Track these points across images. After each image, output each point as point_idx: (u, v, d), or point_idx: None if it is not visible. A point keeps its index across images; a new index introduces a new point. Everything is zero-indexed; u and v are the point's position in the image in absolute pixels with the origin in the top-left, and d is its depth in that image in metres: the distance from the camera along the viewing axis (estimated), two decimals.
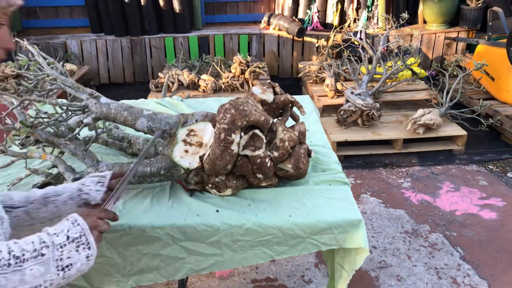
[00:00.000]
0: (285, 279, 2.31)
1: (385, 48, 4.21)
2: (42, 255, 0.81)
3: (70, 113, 1.39)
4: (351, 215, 1.29)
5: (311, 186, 1.44)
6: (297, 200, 1.37)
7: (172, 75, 4.25)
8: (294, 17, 5.39)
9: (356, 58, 4.21)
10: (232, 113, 1.23)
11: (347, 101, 3.70)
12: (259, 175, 1.32)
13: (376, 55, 3.93)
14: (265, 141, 1.30)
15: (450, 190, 3.17)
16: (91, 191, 1.10)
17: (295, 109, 1.51)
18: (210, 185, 1.37)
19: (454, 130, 3.67)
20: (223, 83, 4.11)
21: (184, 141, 1.32)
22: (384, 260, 2.45)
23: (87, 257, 0.88)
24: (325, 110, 4.05)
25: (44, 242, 0.83)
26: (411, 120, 3.56)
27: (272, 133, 1.36)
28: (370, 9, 5.44)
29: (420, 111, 3.62)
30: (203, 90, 4.11)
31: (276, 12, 5.67)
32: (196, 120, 1.33)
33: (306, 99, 2.31)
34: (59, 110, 1.52)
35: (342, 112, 3.70)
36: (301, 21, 5.42)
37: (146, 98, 3.87)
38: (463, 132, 3.63)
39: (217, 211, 1.31)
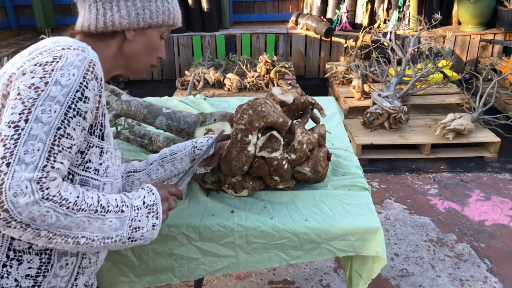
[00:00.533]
0: (302, 282, 2.28)
1: (416, 50, 4.08)
2: (122, 211, 0.89)
3: None
4: (370, 222, 1.25)
5: (330, 190, 1.40)
6: (315, 204, 1.33)
7: (198, 74, 4.28)
8: (322, 17, 5.32)
9: (384, 59, 4.11)
10: (250, 113, 1.21)
11: (374, 103, 3.62)
12: (276, 177, 1.30)
13: (406, 57, 3.82)
14: (282, 142, 1.27)
15: (480, 199, 3.04)
16: (204, 146, 1.21)
17: (316, 111, 1.48)
18: (226, 185, 1.36)
19: (487, 136, 3.52)
20: (248, 83, 4.10)
21: None
22: (406, 269, 2.37)
23: (153, 225, 0.96)
24: (351, 112, 3.98)
25: (124, 202, 0.91)
26: (441, 125, 3.45)
27: (291, 134, 1.34)
28: (401, 9, 5.30)
29: (450, 116, 3.49)
30: (228, 89, 4.12)
31: (304, 12, 5.61)
32: (215, 120, 1.33)
33: (330, 100, 2.27)
34: None
35: (368, 115, 3.62)
36: (330, 21, 5.34)
37: (172, 95, 3.93)
38: (496, 139, 3.48)
39: (232, 212, 1.30)
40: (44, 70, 0.80)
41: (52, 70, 0.80)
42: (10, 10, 5.62)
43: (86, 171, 0.90)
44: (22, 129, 0.75)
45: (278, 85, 4.20)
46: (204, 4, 5.18)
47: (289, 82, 4.16)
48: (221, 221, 1.27)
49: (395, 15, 5.23)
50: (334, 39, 5.20)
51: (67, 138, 0.80)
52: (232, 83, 4.09)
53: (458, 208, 2.93)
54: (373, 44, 4.47)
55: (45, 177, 0.75)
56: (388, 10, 5.32)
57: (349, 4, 5.29)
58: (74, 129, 0.81)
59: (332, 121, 1.99)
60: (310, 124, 1.49)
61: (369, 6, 5.27)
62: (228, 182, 1.35)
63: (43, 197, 0.74)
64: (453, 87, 4.19)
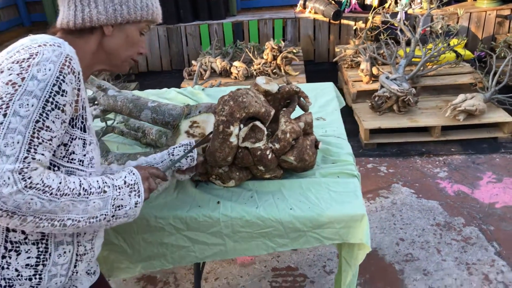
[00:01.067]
0: (306, 269, 2.30)
1: (425, 29, 3.96)
2: (105, 192, 0.93)
3: None
4: (355, 209, 1.25)
5: (318, 178, 1.40)
6: (301, 192, 1.34)
7: (205, 63, 4.29)
8: (330, 0, 5.21)
9: (393, 41, 4.01)
10: (231, 104, 1.21)
11: (382, 86, 3.55)
12: (261, 167, 1.30)
13: (415, 37, 3.71)
14: (266, 132, 1.27)
15: (492, 181, 2.97)
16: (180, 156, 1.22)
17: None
18: (214, 176, 1.38)
19: (500, 116, 3.42)
20: (255, 70, 4.09)
21: (187, 132, 1.33)
22: (411, 253, 2.36)
23: (136, 203, 1.00)
24: (360, 96, 3.92)
25: (106, 183, 0.95)
26: (451, 106, 3.36)
27: (276, 124, 1.33)
28: None
29: (461, 96, 3.39)
30: (235, 77, 4.11)
31: None
32: (200, 112, 1.34)
33: (328, 86, 2.24)
34: None
35: (376, 98, 3.56)
36: (339, 3, 5.23)
37: (180, 85, 3.95)
38: (510, 119, 3.37)
39: (218, 202, 1.31)
40: (21, 67, 0.82)
41: (29, 66, 0.82)
42: (22, 7, 5.73)
43: (70, 162, 0.93)
44: (1, 123, 0.77)
45: (285, 71, 4.17)
46: None
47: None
48: (207, 211, 1.29)
49: None
50: (343, 21, 5.10)
51: (46, 130, 0.82)
52: (238, 71, 4.08)
53: (468, 191, 2.87)
54: (383, 26, 4.36)
55: (27, 168, 0.78)
56: None
57: None
58: (53, 122, 0.84)
59: (328, 107, 1.97)
60: (299, 112, 1.48)
61: None
62: (215, 173, 1.36)
63: (26, 186, 0.77)
64: (466, 66, 4.06)
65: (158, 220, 1.30)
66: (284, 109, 1.36)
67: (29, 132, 0.79)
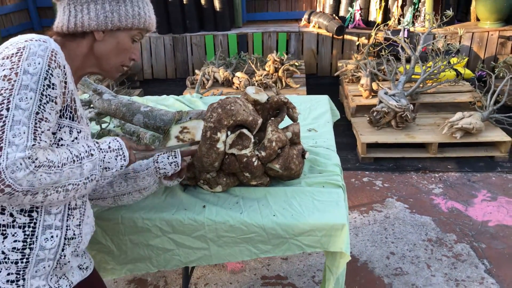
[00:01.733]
0: (295, 278, 2.32)
1: (426, 47, 4.02)
2: (92, 155, 1.00)
3: None
4: (336, 218, 1.28)
5: (303, 187, 1.43)
6: (286, 200, 1.37)
7: (208, 72, 4.36)
8: (334, 15, 5.29)
9: (393, 57, 4.06)
10: (219, 112, 1.26)
11: (380, 101, 3.59)
12: (247, 174, 1.34)
13: (415, 54, 3.76)
14: (253, 140, 1.31)
15: (486, 199, 2.98)
16: (166, 165, 1.26)
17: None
18: (202, 181, 1.42)
19: (497, 135, 3.44)
20: (256, 81, 4.15)
21: (177, 137, 1.37)
22: (400, 267, 2.37)
23: (121, 166, 1.07)
24: (359, 110, 3.96)
25: (90, 147, 1.02)
26: (448, 124, 3.38)
27: (264, 133, 1.38)
28: (416, 6, 5.21)
29: (458, 114, 3.42)
30: (237, 87, 4.17)
31: (317, 10, 5.60)
32: (190, 118, 1.38)
33: (323, 99, 2.28)
34: None
35: (374, 113, 3.60)
36: (342, 19, 5.31)
37: (182, 93, 4.02)
38: (508, 138, 3.38)
39: (204, 206, 1.35)
40: (11, 62, 0.88)
41: (19, 60, 0.88)
42: (33, 12, 5.87)
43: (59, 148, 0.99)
44: (6, 117, 0.83)
45: (286, 84, 4.23)
46: (217, 4, 5.26)
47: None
48: (193, 215, 1.32)
49: (410, 12, 5.15)
50: (347, 37, 5.17)
51: (45, 121, 0.90)
52: (240, 81, 4.15)
53: (462, 208, 2.88)
54: (385, 42, 4.42)
55: (34, 153, 0.85)
56: (402, 7, 5.24)
57: (363, 2, 5.24)
58: (49, 113, 0.91)
59: (321, 119, 2.02)
60: (289, 122, 1.52)
61: (383, 3, 5.20)
62: (203, 178, 1.40)
63: (36, 166, 0.85)
64: (466, 85, 4.09)
65: (145, 222, 1.33)
66: (272, 118, 1.40)
67: (32, 123, 0.86)
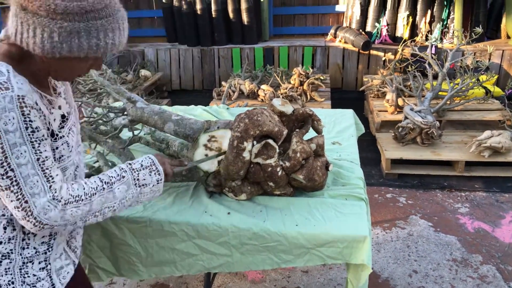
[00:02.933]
0: None
1: (454, 64, 3.97)
2: (123, 177, 1.07)
3: (113, 114, 1.58)
4: (358, 230, 1.29)
5: (326, 198, 1.45)
6: (308, 211, 1.39)
7: (234, 84, 4.44)
8: (361, 30, 5.31)
9: (420, 74, 4.04)
10: (246, 122, 1.30)
11: (406, 117, 3.57)
12: (271, 183, 1.37)
13: (442, 71, 3.73)
14: (278, 151, 1.35)
15: None
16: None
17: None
18: (227, 189, 1.46)
19: None
20: (281, 94, 4.20)
21: (205, 146, 1.43)
22: (423, 286, 2.32)
23: (158, 181, 1.14)
24: (384, 126, 3.94)
25: (122, 169, 1.09)
26: (476, 142, 3.32)
27: (289, 144, 1.41)
28: (445, 22, 5.17)
29: (487, 133, 3.36)
30: (262, 99, 4.23)
31: (344, 25, 5.63)
32: (218, 127, 1.43)
33: (348, 113, 2.30)
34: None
35: (400, 129, 3.57)
36: (369, 34, 5.32)
37: (208, 105, 4.10)
38: None
39: (229, 213, 1.39)
40: None
41: None
42: None
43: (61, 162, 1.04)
44: (15, 176, 0.90)
45: (311, 97, 4.26)
46: (245, 18, 5.37)
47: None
48: (218, 221, 1.36)
49: (438, 28, 5.11)
50: (373, 52, 5.17)
51: (47, 159, 0.94)
52: (265, 94, 4.21)
53: (489, 229, 2.81)
54: (412, 58, 4.40)
55: (55, 192, 0.94)
56: (430, 23, 5.21)
57: (390, 17, 5.25)
58: (46, 150, 0.94)
59: (345, 133, 2.03)
60: (313, 134, 1.55)
61: (411, 19, 5.19)
62: (228, 185, 1.44)
63: (63, 204, 0.95)
64: (495, 103, 4.01)
65: (172, 225, 1.38)
66: (297, 130, 1.43)
67: (39, 170, 0.93)
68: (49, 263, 1.08)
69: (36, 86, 0.97)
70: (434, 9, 5.16)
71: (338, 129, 2.08)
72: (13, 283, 1.01)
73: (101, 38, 0.91)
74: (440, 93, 3.81)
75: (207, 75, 5.65)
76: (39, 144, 0.93)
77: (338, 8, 5.93)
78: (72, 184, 0.99)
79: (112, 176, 1.06)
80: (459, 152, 3.45)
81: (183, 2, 5.36)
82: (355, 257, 1.28)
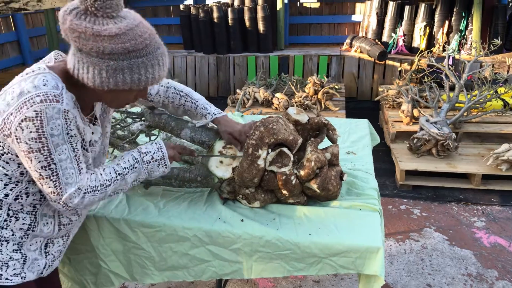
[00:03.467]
0: None
1: (471, 75, 3.93)
2: (135, 167, 1.26)
3: (131, 120, 1.61)
4: (372, 241, 1.28)
5: (340, 208, 1.45)
6: (322, 220, 1.39)
7: (249, 92, 4.47)
8: (377, 40, 5.30)
9: (436, 84, 4.00)
10: (261, 130, 1.31)
11: (422, 128, 3.53)
12: (285, 191, 1.38)
13: (459, 82, 3.69)
14: (292, 159, 1.35)
15: None
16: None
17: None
18: (241, 196, 1.47)
19: None
20: (296, 102, 4.20)
21: (220, 152, 1.44)
22: None
23: (163, 171, 1.32)
24: (399, 137, 3.91)
25: (135, 159, 1.27)
26: (493, 155, 3.27)
27: (304, 152, 1.41)
28: (463, 33, 5.12)
29: (505, 146, 3.30)
30: (276, 107, 4.25)
31: (360, 35, 5.63)
32: None
33: (363, 123, 2.29)
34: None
35: (415, 140, 3.54)
36: (385, 44, 5.30)
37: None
38: None
39: (242, 220, 1.39)
40: (35, 126, 1.02)
41: (41, 125, 1.02)
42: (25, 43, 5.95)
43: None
44: (56, 168, 1.08)
45: (325, 106, 4.25)
46: (261, 27, 5.41)
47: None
48: (231, 228, 1.37)
49: (455, 39, 5.07)
50: (389, 62, 5.15)
51: (80, 154, 1.14)
52: (280, 102, 4.22)
53: (505, 244, 2.75)
54: (428, 69, 4.37)
55: (80, 183, 1.13)
56: (448, 34, 5.17)
57: (406, 28, 5.22)
58: (79, 147, 1.13)
59: (360, 143, 2.03)
60: (328, 144, 1.56)
61: (427, 30, 5.16)
62: (242, 192, 1.45)
63: (84, 193, 1.14)
64: None
65: (186, 231, 1.39)
66: (312, 139, 1.44)
67: (74, 164, 1.12)
68: (23, 250, 1.21)
69: (79, 107, 1.14)
70: (452, 20, 5.12)
71: (353, 139, 2.07)
72: None
73: (142, 73, 1.05)
74: (456, 104, 3.77)
75: (222, 83, 5.70)
76: (76, 143, 1.11)
77: (354, 18, 5.94)
78: (92, 174, 1.18)
79: (125, 167, 1.24)
80: (475, 164, 3.39)
81: (200, 10, 5.44)
82: (368, 268, 1.28)
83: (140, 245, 1.46)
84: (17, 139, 1.03)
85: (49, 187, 1.11)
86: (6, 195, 1.14)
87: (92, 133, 1.22)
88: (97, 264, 1.51)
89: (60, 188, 1.11)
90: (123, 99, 1.15)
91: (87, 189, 1.15)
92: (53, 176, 1.09)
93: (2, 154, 1.10)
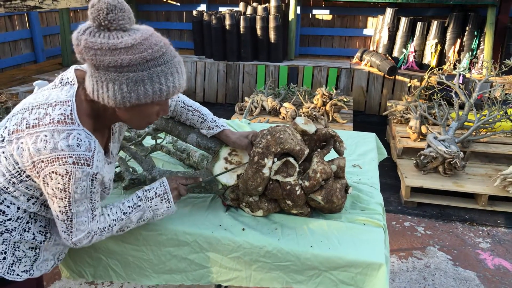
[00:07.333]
0: None
1: (482, 95, 3.90)
2: (139, 206, 1.29)
3: None
4: (374, 257, 1.26)
5: (343, 222, 1.43)
6: (324, 233, 1.37)
7: (257, 100, 4.47)
8: (387, 55, 5.30)
9: (445, 102, 3.98)
10: (268, 138, 1.30)
11: (429, 146, 3.50)
12: (289, 202, 1.36)
13: (469, 101, 3.67)
14: (298, 169, 1.34)
15: None
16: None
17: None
18: (244, 204, 1.45)
19: None
20: (303, 113, 4.20)
21: (226, 159, 1.43)
22: None
23: (168, 207, 1.33)
24: (405, 152, 3.87)
25: (139, 197, 1.30)
26: (501, 176, 3.23)
27: (310, 163, 1.40)
28: (474, 52, 5.10)
29: None
30: (283, 117, 4.24)
31: (371, 49, 5.63)
32: None
33: (370, 136, 2.28)
34: None
35: (422, 157, 3.51)
36: (395, 59, 5.30)
37: (230, 118, 4.14)
38: None
39: (243, 229, 1.38)
40: (62, 181, 1.06)
41: (69, 182, 1.06)
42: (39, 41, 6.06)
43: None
44: (72, 215, 1.14)
45: (333, 118, 4.24)
46: (272, 36, 5.44)
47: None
48: (231, 236, 1.35)
49: (466, 58, 5.05)
50: (398, 77, 5.14)
51: (96, 205, 1.19)
52: (287, 112, 4.21)
53: (510, 267, 2.70)
54: (438, 86, 4.35)
55: (91, 227, 1.19)
56: (459, 52, 5.15)
57: (417, 44, 5.22)
58: (97, 200, 1.18)
59: (367, 156, 2.01)
60: (335, 155, 1.54)
61: (439, 47, 5.14)
62: (246, 200, 1.44)
63: (92, 235, 1.21)
64: None
65: (186, 236, 1.38)
66: (318, 150, 1.43)
67: (89, 213, 1.17)
68: (39, 249, 1.25)
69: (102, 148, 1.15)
70: (464, 39, 5.11)
71: (360, 152, 2.05)
72: (5, 252, 1.17)
73: (162, 82, 1.03)
74: (465, 123, 3.74)
75: (230, 90, 5.71)
76: (96, 195, 1.16)
77: (366, 31, 5.95)
78: (101, 215, 1.23)
79: (129, 206, 1.28)
80: (482, 185, 3.35)
81: (213, 17, 5.48)
82: (369, 285, 1.25)
83: (139, 247, 1.44)
84: (44, 183, 1.08)
85: (62, 227, 1.17)
86: (28, 207, 1.19)
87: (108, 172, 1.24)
88: (97, 258, 1.50)
89: (71, 232, 1.17)
90: (144, 116, 1.12)
91: (96, 231, 1.21)
92: (67, 221, 1.15)
93: (27, 180, 1.12)
